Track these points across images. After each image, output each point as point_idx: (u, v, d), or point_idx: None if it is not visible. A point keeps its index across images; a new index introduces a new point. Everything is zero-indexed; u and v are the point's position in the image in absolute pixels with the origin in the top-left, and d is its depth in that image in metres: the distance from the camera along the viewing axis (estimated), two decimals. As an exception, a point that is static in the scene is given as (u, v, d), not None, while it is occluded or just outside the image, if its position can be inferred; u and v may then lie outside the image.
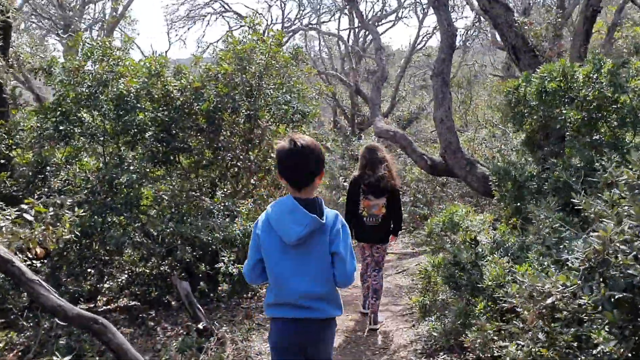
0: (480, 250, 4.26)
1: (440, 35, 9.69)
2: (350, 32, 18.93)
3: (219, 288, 6.33)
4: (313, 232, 2.46)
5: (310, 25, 18.24)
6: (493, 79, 17.62)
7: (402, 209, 5.89)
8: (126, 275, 6.47)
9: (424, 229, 5.79)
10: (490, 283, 3.79)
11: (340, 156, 14.04)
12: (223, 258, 4.86)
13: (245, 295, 6.46)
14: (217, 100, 5.35)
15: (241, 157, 6.11)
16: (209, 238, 4.76)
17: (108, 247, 4.80)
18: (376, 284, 5.37)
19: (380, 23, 16.46)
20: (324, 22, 19.23)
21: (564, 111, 4.82)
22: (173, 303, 6.11)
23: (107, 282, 6.50)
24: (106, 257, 5.72)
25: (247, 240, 5.53)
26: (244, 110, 5.42)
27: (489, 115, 13.84)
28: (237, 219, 5.14)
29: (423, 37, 20.25)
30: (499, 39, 13.72)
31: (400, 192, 5.79)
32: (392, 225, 5.47)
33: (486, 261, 4.06)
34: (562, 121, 4.80)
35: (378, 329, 5.34)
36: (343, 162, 13.75)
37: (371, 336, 5.27)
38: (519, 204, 5.04)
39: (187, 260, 4.92)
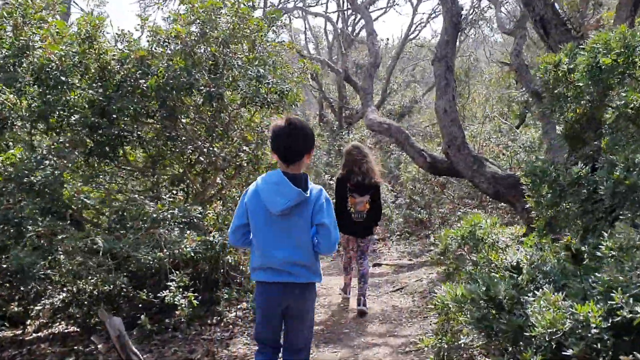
0: (521, 280, 3.16)
1: (443, 15, 8.59)
2: (339, 15, 17.74)
3: (177, 312, 5.14)
4: (297, 204, 2.76)
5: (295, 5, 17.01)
6: (492, 71, 16.60)
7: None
8: (64, 294, 5.27)
9: (432, 240, 4.81)
10: (542, 330, 2.69)
11: (326, 152, 12.91)
12: (170, 284, 3.70)
13: (209, 322, 5.30)
14: (168, 75, 4.14)
15: (205, 150, 4.94)
16: (150, 258, 3.58)
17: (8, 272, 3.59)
18: (363, 269, 5.83)
19: (371, 8, 15.34)
20: (310, 6, 17.98)
21: (623, 94, 3.73)
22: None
23: (42, 301, 5.30)
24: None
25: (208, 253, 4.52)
26: (203, 88, 4.22)
27: (489, 109, 12.82)
28: (190, 231, 3.96)
29: (417, 26, 19.16)
30: (506, 21, 12.71)
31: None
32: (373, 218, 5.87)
33: (532, 296, 2.96)
34: (622, 107, 3.71)
35: (367, 312, 5.74)
36: (329, 159, 12.61)
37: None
38: (556, 213, 3.98)
39: (122, 284, 3.73)
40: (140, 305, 4.87)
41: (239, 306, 5.70)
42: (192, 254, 3.79)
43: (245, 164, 5.40)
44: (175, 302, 3.66)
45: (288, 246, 2.82)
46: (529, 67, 9.68)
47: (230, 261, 5.59)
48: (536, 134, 9.55)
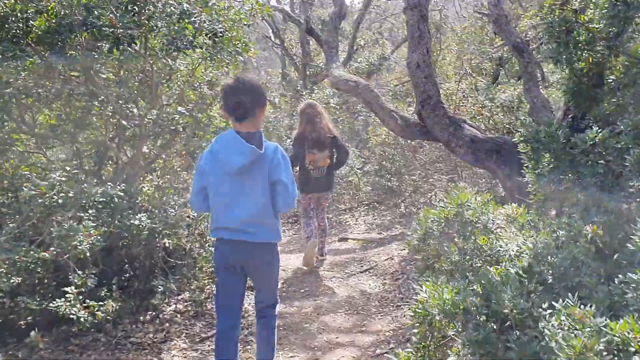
0: (530, 284, 2.41)
1: (416, -45, 7.64)
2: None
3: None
4: (253, 162, 2.80)
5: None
6: (464, 25, 15.73)
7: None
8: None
9: (402, 210, 4.04)
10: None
11: (288, 114, 11.96)
12: (67, 289, 2.83)
13: (141, 319, 4.45)
14: (62, 12, 3.14)
15: (128, 112, 4.00)
16: (29, 259, 2.68)
17: None
18: (323, 224, 6.15)
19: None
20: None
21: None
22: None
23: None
24: None
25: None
26: (107, 30, 3.23)
27: (465, 66, 11.99)
28: (86, 222, 3.05)
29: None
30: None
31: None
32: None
33: (546, 309, 2.22)
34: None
35: (326, 259, 6.18)
36: (292, 121, 11.67)
37: None
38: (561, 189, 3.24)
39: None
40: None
41: (179, 297, 4.87)
42: (87, 253, 2.89)
43: (181, 129, 4.46)
44: (72, 315, 2.79)
45: (245, 205, 2.85)
46: (509, 19, 8.88)
47: (168, 245, 4.74)
48: (515, 92, 8.81)
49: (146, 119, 4.16)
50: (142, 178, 5.09)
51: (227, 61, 5.08)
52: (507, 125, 8.48)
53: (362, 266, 6.04)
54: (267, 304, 3.15)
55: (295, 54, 16.31)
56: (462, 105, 8.34)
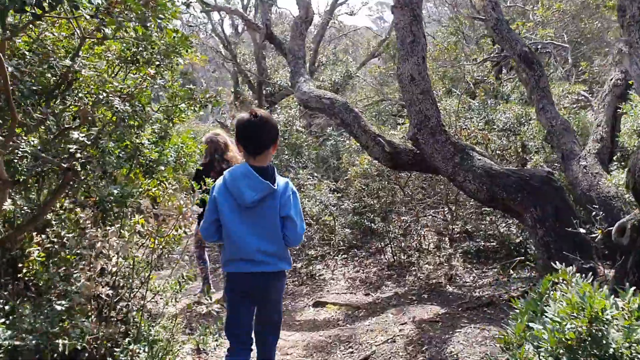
0: None
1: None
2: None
3: None
4: (265, 196, 2.91)
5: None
6: (436, 42, 14.56)
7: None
8: None
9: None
10: None
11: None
12: None
13: None
14: None
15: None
16: None
17: None
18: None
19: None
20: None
21: None
22: None
23: None
24: None
25: None
26: None
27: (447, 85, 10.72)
28: None
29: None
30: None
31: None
32: None
33: None
34: None
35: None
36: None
37: None
38: None
39: None
40: None
41: None
42: None
43: (78, 168, 2.79)
44: None
45: (259, 236, 2.96)
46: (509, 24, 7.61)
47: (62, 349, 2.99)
48: (520, 111, 7.49)
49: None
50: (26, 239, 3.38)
51: (158, 62, 3.49)
52: (514, 153, 7.13)
53: (352, 353, 4.41)
54: (268, 332, 3.23)
55: (250, 71, 14.75)
56: (464, 128, 6.88)
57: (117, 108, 3.08)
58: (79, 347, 3.12)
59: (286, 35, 12.11)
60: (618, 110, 6.58)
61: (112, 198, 3.18)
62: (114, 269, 3.52)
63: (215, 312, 4.82)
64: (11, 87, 2.43)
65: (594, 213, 4.13)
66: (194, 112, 4.35)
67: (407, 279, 6.18)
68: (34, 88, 2.85)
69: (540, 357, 1.81)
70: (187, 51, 3.58)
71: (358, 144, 7.33)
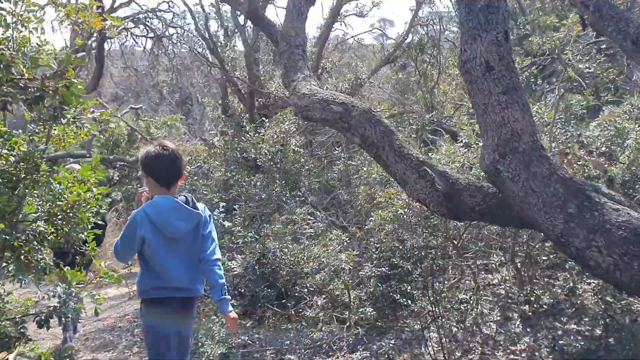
0: None
1: None
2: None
3: None
4: (196, 225, 3.12)
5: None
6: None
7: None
8: None
9: None
10: None
11: (223, 161, 7.95)
12: None
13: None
14: None
15: None
16: None
17: None
18: None
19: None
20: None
21: None
22: None
23: None
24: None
25: None
26: None
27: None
28: None
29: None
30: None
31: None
32: None
33: None
34: None
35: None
36: (228, 173, 7.60)
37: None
38: None
39: None
40: None
41: None
42: None
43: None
44: None
45: (189, 264, 3.09)
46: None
47: None
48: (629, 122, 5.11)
49: None
50: None
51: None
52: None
53: None
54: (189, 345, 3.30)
55: (239, 78, 12.43)
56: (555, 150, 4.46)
57: None
58: None
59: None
60: None
61: None
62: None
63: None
64: None
65: None
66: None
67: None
68: None
69: None
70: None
71: (385, 172, 4.97)
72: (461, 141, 6.41)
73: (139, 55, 21.12)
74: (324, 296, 4.96)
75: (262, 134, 7.39)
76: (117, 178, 13.67)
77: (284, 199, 6.34)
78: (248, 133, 7.53)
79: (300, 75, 4.95)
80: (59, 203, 2.54)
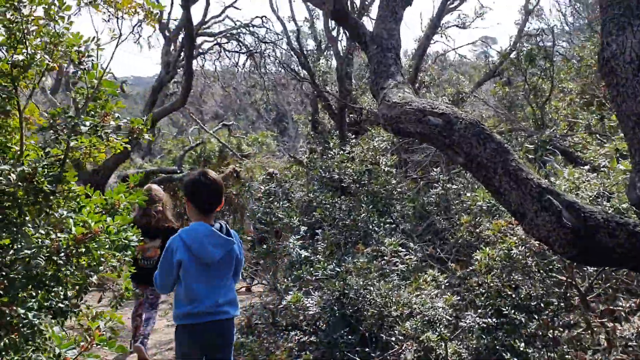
0: None
1: None
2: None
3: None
4: (229, 251, 3.29)
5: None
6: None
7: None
8: None
9: None
10: None
11: (306, 181, 7.34)
12: None
13: None
14: None
15: None
16: None
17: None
18: (148, 315, 5.79)
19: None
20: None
21: None
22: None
23: None
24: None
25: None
26: None
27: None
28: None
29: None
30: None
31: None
32: None
33: None
34: None
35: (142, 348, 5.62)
36: (313, 194, 6.95)
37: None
38: None
39: None
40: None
41: None
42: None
43: None
44: None
45: (224, 288, 3.28)
46: None
47: None
48: None
49: None
50: None
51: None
52: None
53: None
54: None
55: (330, 93, 11.88)
56: None
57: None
58: None
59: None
60: None
61: None
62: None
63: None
64: None
65: None
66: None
67: None
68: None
69: None
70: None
71: (495, 200, 4.10)
72: (586, 163, 5.37)
73: (239, 74, 21.31)
74: (415, 346, 4.14)
75: (348, 152, 6.71)
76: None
77: (370, 226, 5.59)
78: (332, 150, 6.86)
79: (392, 82, 4.21)
80: (61, 236, 1.98)
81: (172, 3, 12.17)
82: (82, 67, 2.19)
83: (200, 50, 13.94)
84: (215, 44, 14.05)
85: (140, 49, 17.41)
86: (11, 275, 1.84)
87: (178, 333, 3.29)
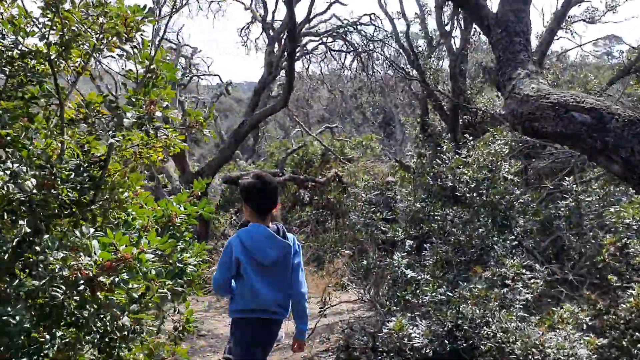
0: None
1: None
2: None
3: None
4: (285, 254, 3.39)
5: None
6: None
7: None
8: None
9: None
10: None
11: (412, 189, 6.66)
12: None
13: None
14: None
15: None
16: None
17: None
18: None
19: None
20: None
21: None
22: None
23: None
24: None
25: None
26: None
27: None
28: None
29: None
30: None
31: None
32: None
33: None
34: None
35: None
36: (424, 201, 6.26)
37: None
38: None
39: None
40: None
41: None
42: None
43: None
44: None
45: (277, 289, 3.38)
46: None
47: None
48: None
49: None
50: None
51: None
52: None
53: None
54: None
55: (442, 92, 11.09)
56: None
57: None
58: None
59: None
60: None
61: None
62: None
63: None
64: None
65: None
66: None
67: None
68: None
69: None
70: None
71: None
72: None
73: (345, 77, 20.97)
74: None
75: (465, 156, 5.94)
76: (307, 199, 13.19)
77: (489, 243, 4.83)
78: (445, 154, 6.11)
79: (522, 72, 3.48)
80: (73, 264, 1.52)
81: (276, 2, 11.96)
82: (132, 43, 1.76)
83: (305, 50, 13.62)
84: (320, 44, 13.69)
85: (247, 51, 17.51)
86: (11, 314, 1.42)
87: (232, 327, 3.51)
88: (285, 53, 10.10)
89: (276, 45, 11.37)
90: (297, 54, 11.81)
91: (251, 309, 3.36)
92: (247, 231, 3.33)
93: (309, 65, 16.02)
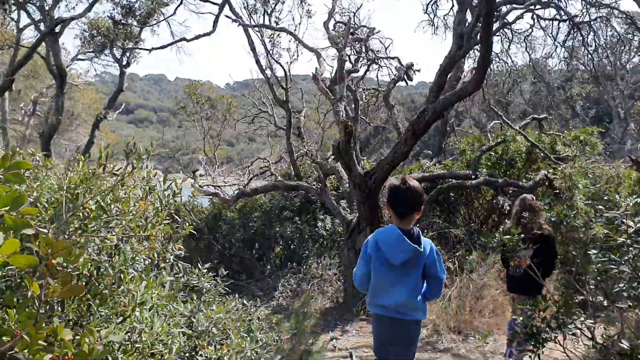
0: None
1: None
2: None
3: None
4: (413, 258, 3.54)
5: None
6: None
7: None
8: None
9: None
10: None
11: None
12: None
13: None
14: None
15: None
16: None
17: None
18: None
19: None
20: None
21: None
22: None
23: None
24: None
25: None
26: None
27: None
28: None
29: None
30: None
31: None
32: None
33: None
34: None
35: None
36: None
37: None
38: None
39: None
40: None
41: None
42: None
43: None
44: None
45: (405, 291, 3.57)
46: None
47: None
48: None
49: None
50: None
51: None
52: None
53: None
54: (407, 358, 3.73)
55: None
56: None
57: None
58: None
59: None
60: None
61: None
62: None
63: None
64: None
65: None
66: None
67: None
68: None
69: None
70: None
71: None
72: None
73: (553, 64, 17.99)
74: None
75: None
76: (508, 208, 10.75)
77: None
78: None
79: None
80: None
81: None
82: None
83: (505, 21, 11.14)
84: (525, 11, 11.07)
85: (434, 29, 15.00)
86: None
87: (372, 320, 3.87)
88: (480, 17, 7.87)
89: (468, 13, 9.19)
90: (496, 24, 9.47)
91: (381, 304, 3.66)
92: (382, 231, 3.66)
93: (509, 45, 13.42)
